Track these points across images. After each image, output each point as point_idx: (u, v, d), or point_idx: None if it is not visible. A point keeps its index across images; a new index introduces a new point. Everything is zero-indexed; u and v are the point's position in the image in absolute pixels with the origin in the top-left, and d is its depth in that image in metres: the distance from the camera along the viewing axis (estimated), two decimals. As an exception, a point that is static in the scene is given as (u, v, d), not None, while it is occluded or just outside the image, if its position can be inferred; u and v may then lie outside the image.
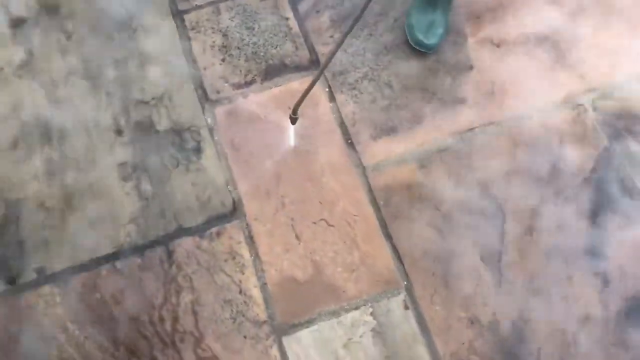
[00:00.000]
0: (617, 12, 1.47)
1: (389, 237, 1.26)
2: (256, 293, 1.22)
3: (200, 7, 1.50)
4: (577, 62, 1.42)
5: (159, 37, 1.46)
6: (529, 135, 1.34)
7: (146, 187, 1.31)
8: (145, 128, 1.37)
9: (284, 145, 1.34)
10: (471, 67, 1.42)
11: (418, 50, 1.40)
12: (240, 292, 1.22)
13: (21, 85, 1.41)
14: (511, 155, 1.33)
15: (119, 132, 1.36)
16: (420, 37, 1.39)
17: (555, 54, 1.43)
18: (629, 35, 1.44)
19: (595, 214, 1.27)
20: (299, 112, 1.21)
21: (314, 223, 1.27)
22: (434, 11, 1.39)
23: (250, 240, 1.26)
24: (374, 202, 1.29)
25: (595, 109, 1.37)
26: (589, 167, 1.31)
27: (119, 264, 1.24)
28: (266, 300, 1.21)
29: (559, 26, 1.46)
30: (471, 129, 1.35)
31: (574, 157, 1.32)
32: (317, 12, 1.49)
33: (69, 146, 1.35)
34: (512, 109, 1.37)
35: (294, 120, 1.25)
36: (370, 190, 1.30)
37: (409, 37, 1.42)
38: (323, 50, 1.44)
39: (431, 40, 1.38)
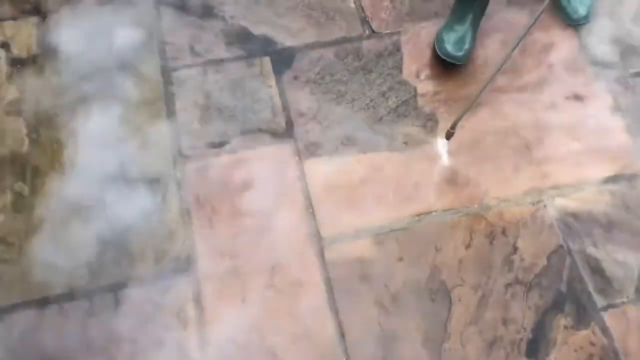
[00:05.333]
0: (588, 118, 1.52)
1: (335, 310, 1.27)
2: (195, 354, 1.22)
3: (189, 66, 1.57)
4: (544, 159, 1.46)
5: (145, 88, 1.53)
6: (485, 224, 1.36)
7: (106, 232, 1.34)
8: (114, 174, 1.41)
9: (247, 207, 1.38)
10: (440, 156, 1.46)
11: (447, 61, 1.52)
12: (180, 350, 1.22)
13: (7, 121, 1.48)
14: (466, 243, 1.34)
15: (89, 176, 1.41)
16: (450, 49, 1.51)
17: (525, 148, 1.47)
18: (596, 142, 1.48)
19: (542, 313, 1.27)
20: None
21: (264, 288, 1.29)
22: (462, 28, 1.52)
23: (198, 298, 1.27)
24: (325, 273, 1.31)
25: (555, 207, 1.39)
26: (542, 264, 1.32)
27: (67, 306, 1.26)
28: (204, 361, 1.21)
29: (531, 122, 1.51)
30: (429, 212, 1.38)
31: (528, 252, 1.34)
32: (299, 83, 1.55)
33: (40, 183, 1.39)
34: (473, 198, 1.40)
35: (449, 135, 1.38)
36: (323, 261, 1.32)
37: (438, 50, 1.54)
38: (298, 120, 1.50)
39: (459, 53, 1.50)
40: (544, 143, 1.48)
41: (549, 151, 1.47)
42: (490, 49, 1.61)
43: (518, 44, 1.22)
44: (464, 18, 1.53)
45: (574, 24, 1.63)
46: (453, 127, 1.37)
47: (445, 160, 1.43)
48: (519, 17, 1.67)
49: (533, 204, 1.39)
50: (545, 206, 1.39)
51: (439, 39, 1.55)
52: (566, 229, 1.36)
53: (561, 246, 1.34)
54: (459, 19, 1.53)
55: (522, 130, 1.50)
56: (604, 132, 1.50)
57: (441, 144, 1.44)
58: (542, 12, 1.17)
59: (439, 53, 1.53)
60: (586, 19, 1.63)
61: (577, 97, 1.54)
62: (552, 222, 1.37)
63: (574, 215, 1.38)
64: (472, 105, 1.32)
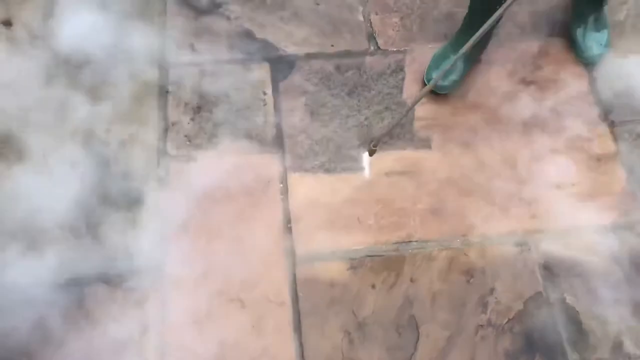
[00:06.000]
0: (588, 162, 1.46)
1: (298, 332, 1.24)
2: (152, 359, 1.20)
3: (187, 64, 1.55)
4: (536, 199, 1.41)
5: (140, 83, 1.51)
6: (465, 261, 1.32)
7: (81, 225, 1.33)
8: (99, 167, 1.40)
9: (225, 215, 1.35)
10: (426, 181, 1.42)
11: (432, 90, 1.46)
12: (138, 355, 1.21)
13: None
14: (443, 277, 1.31)
15: (73, 164, 1.40)
16: (435, 77, 1.44)
17: (517, 185, 1.42)
18: (592, 188, 1.43)
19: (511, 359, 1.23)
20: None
21: (230, 301, 1.26)
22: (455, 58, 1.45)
23: (162, 304, 1.25)
24: (294, 293, 1.28)
25: (540, 250, 1.35)
26: (518, 309, 1.28)
27: (29, 298, 1.25)
28: (160, 368, 1.20)
29: (529, 158, 1.46)
30: (409, 241, 1.34)
31: (505, 295, 1.29)
32: (295, 93, 1.52)
33: (20, 169, 1.38)
34: (456, 231, 1.36)
35: (372, 152, 1.36)
36: (294, 280, 1.29)
37: (425, 76, 1.50)
38: (289, 131, 1.47)
39: (443, 83, 1.47)
40: (538, 182, 1.43)
41: (542, 191, 1.42)
42: (495, 79, 1.56)
43: (478, 36, 1.13)
44: (458, 49, 1.48)
45: (586, 61, 1.58)
46: (375, 144, 1.33)
47: (367, 175, 1.40)
48: (531, 48, 1.62)
49: (517, 246, 1.35)
50: (529, 249, 1.35)
51: (430, 64, 1.52)
52: (548, 275, 1.32)
53: (540, 293, 1.30)
54: (452, 49, 1.49)
55: (518, 166, 1.45)
56: (602, 178, 1.44)
57: (365, 160, 1.41)
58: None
59: (424, 78, 1.50)
60: (599, 57, 1.57)
61: (579, 138, 1.49)
62: (534, 266, 1.33)
63: (559, 262, 1.34)
64: (401, 119, 1.28)
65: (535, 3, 1.67)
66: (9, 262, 1.27)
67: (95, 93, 1.48)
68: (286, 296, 1.28)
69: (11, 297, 1.24)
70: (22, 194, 1.35)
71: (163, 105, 1.48)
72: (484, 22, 1.47)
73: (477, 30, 1.47)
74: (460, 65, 1.48)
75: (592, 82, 1.57)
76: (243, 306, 1.26)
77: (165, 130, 1.45)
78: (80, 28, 1.57)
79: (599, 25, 1.57)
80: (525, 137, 1.48)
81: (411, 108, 1.25)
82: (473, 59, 1.52)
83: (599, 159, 1.47)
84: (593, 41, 1.56)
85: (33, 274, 1.26)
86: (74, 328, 1.22)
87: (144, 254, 1.30)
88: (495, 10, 1.42)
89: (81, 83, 1.49)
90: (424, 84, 1.51)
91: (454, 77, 1.49)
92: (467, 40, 1.48)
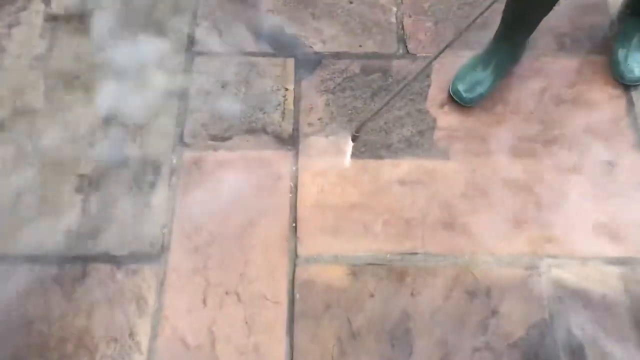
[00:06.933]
0: (613, 190, 1.39)
1: (290, 333, 1.23)
2: (144, 342, 1.22)
3: (213, 53, 1.55)
4: (552, 223, 1.35)
5: (166, 68, 1.52)
6: (470, 279, 1.28)
7: (92, 204, 1.35)
8: (115, 148, 1.42)
9: (232, 208, 1.35)
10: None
11: (456, 101, 1.46)
12: (130, 335, 1.22)
13: (29, 74, 1.51)
14: (445, 293, 1.27)
15: (91, 144, 1.42)
16: (461, 89, 1.44)
17: (535, 206, 1.37)
18: (614, 217, 1.36)
19: (505, 386, 1.19)
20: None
21: (226, 293, 1.27)
22: (484, 71, 1.44)
23: (161, 289, 1.27)
24: (291, 293, 1.27)
25: (550, 277, 1.29)
26: (519, 335, 1.24)
27: (36, 268, 1.28)
28: (150, 352, 1.21)
29: (550, 180, 1.40)
30: (415, 253, 1.31)
31: (508, 319, 1.25)
32: (317, 92, 1.51)
33: (41, 142, 1.42)
34: (464, 247, 1.32)
35: (354, 138, 1.35)
36: (292, 280, 1.28)
37: (450, 87, 1.47)
38: (306, 130, 1.45)
39: (468, 95, 1.44)
40: (557, 205, 1.37)
41: (559, 215, 1.36)
42: (526, 94, 1.50)
43: (457, 38, 1.08)
44: (488, 63, 1.44)
45: (626, 83, 1.50)
46: (358, 130, 1.32)
47: (347, 161, 1.40)
48: (569, 65, 1.55)
49: (527, 269, 1.30)
50: (540, 274, 1.29)
51: (457, 75, 1.47)
52: (556, 303, 1.27)
53: (545, 320, 1.25)
54: (482, 61, 1.45)
55: (538, 187, 1.39)
56: (626, 208, 1.37)
57: (348, 145, 1.39)
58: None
59: (450, 89, 1.46)
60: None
61: (608, 164, 1.42)
62: (542, 292, 1.28)
63: (569, 291, 1.28)
64: (380, 110, 1.25)
65: (578, 19, 1.60)
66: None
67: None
68: (283, 296, 1.27)
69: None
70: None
71: (184, 92, 1.49)
72: (517, 35, 1.42)
73: (510, 44, 1.43)
74: (489, 80, 1.44)
75: (629, 105, 1.49)
76: (239, 300, 1.26)
77: (184, 117, 1.46)
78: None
79: None
80: (549, 157, 1.42)
81: (404, 86, 1.20)
82: (504, 72, 1.47)
83: (625, 187, 1.39)
84: (635, 63, 1.48)
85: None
86: (72, 302, 1.24)
87: (148, 238, 1.31)
88: (528, 25, 1.37)
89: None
90: (449, 94, 1.47)
91: (480, 89, 1.44)
92: (498, 53, 1.44)
